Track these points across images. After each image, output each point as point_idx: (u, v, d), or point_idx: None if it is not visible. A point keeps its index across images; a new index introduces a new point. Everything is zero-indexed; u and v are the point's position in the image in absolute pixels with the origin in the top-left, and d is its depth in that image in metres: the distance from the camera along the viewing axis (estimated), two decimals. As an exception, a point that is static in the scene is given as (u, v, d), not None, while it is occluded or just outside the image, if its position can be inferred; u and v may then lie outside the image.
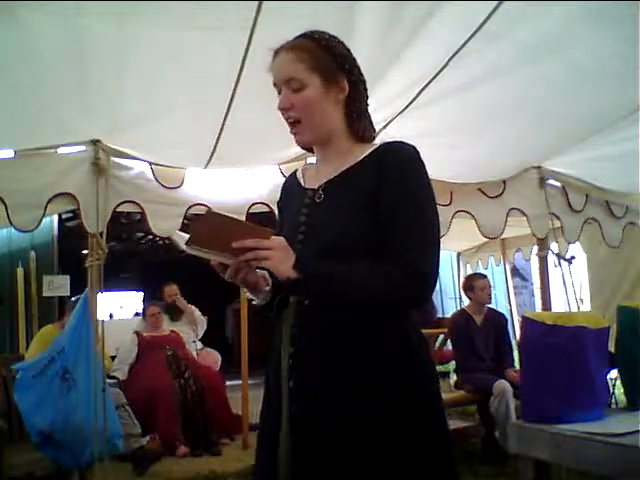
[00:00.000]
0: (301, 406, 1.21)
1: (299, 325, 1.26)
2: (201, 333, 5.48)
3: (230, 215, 1.13)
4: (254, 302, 1.36)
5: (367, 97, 1.36)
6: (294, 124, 1.31)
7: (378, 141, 1.35)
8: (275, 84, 1.32)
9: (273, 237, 1.18)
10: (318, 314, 1.23)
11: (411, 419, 1.20)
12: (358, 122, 1.33)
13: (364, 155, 1.30)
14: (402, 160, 1.26)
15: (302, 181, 1.42)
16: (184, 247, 1.14)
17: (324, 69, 1.27)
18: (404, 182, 1.24)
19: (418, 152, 1.28)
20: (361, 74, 1.34)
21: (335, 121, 1.32)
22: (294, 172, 1.49)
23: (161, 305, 5.25)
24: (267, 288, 1.32)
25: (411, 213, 1.22)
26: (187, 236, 1.14)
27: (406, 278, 1.19)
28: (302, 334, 1.25)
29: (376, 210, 1.23)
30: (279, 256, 1.16)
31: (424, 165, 1.27)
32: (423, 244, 1.22)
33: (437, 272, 1.23)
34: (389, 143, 1.30)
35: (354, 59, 1.33)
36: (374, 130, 1.38)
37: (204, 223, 1.13)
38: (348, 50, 1.33)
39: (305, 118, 1.29)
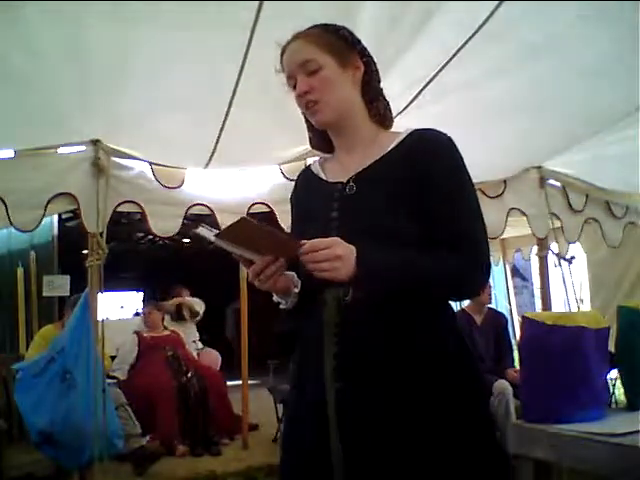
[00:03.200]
0: (351, 407, 1.15)
1: (342, 324, 1.19)
2: (201, 310, 5.60)
3: (264, 225, 1.09)
4: (281, 306, 1.28)
5: (380, 80, 1.33)
6: (313, 105, 1.26)
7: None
8: (289, 77, 1.28)
9: (332, 240, 1.11)
10: (363, 312, 1.17)
11: (468, 417, 1.17)
12: (377, 102, 1.31)
13: (395, 143, 1.27)
14: (448, 148, 1.23)
15: (323, 175, 1.36)
16: (212, 239, 1.12)
17: (336, 49, 1.26)
18: (456, 171, 1.23)
19: (452, 139, 1.25)
20: (372, 56, 1.32)
21: (354, 101, 1.29)
22: (308, 167, 1.43)
23: (160, 305, 5.24)
24: (296, 290, 1.25)
25: (469, 203, 1.22)
26: (216, 230, 1.13)
27: (474, 267, 1.18)
28: (347, 333, 1.18)
29: (417, 199, 1.19)
30: (338, 266, 1.09)
31: None
32: (483, 234, 1.21)
33: None
34: (423, 130, 1.26)
35: (361, 42, 1.31)
36: (391, 112, 1.35)
37: (237, 226, 1.10)
38: (354, 34, 1.31)
39: (325, 97, 1.25)
